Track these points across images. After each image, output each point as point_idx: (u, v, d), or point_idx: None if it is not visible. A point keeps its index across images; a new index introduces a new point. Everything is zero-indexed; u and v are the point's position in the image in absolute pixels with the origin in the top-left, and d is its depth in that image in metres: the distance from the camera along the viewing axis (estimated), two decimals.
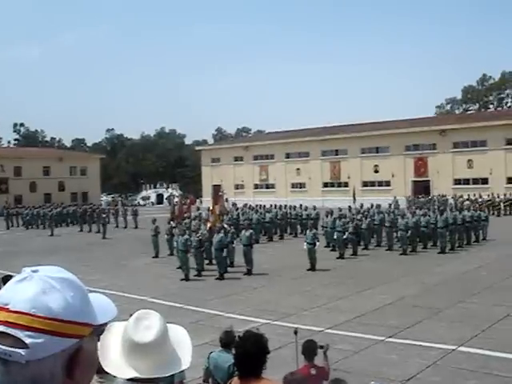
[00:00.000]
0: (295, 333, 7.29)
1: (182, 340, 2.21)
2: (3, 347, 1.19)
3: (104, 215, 39.55)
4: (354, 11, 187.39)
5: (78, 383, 1.31)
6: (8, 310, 1.22)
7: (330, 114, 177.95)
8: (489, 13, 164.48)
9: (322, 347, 7.06)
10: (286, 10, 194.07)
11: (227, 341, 6.65)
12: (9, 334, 1.20)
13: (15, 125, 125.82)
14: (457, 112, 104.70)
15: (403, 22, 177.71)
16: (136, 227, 42.22)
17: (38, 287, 1.25)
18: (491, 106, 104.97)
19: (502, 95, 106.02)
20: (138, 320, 2.19)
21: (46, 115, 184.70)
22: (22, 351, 1.19)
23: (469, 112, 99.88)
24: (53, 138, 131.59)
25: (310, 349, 6.87)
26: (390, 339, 12.12)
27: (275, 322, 13.64)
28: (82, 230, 42.87)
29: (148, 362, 2.09)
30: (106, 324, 1.41)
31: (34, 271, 1.29)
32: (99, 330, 1.38)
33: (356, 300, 16.09)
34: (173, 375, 2.26)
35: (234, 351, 5.21)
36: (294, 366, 7.04)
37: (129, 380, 2.10)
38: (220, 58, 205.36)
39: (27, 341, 1.20)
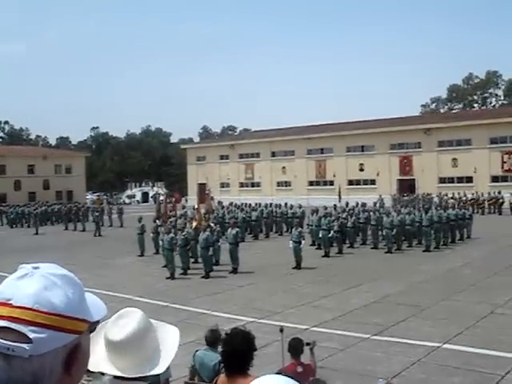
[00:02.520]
0: (281, 331, 7.30)
1: (167, 341, 2.20)
2: (6, 342, 1.20)
3: (97, 213, 39.49)
4: (339, 11, 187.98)
5: (74, 379, 1.33)
6: (11, 306, 1.23)
7: (316, 112, 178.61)
8: (475, 13, 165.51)
9: (308, 344, 7.08)
10: (271, 8, 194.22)
11: (213, 339, 6.66)
12: (11, 329, 1.21)
13: None
14: (442, 111, 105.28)
15: (389, 22, 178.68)
16: (121, 226, 42.10)
17: (40, 283, 1.27)
18: (476, 105, 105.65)
19: (486, 94, 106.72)
20: (117, 318, 2.20)
21: (31, 113, 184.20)
22: (25, 346, 1.20)
23: (453, 111, 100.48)
24: (38, 136, 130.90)
25: (296, 346, 6.89)
26: (376, 337, 12.17)
27: (261, 320, 13.65)
28: (67, 229, 42.72)
29: (125, 361, 2.09)
30: (98, 322, 1.42)
31: (34, 268, 1.31)
32: (92, 327, 1.40)
33: (341, 298, 16.14)
34: (157, 374, 2.25)
35: (220, 348, 5.22)
36: (280, 363, 7.05)
37: (115, 378, 2.11)
38: (206, 57, 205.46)
39: (31, 335, 1.21)
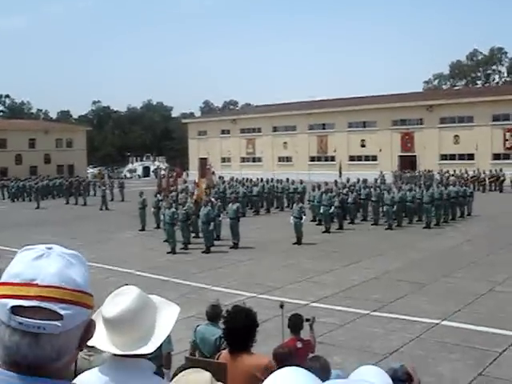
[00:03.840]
0: (281, 306, 7.35)
1: (164, 320, 2.21)
2: (37, 321, 1.24)
3: (104, 187, 39.71)
4: None
5: (78, 353, 1.40)
6: (38, 285, 1.27)
7: (318, 87, 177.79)
8: None
9: (308, 320, 7.13)
10: None
11: (213, 314, 6.70)
12: (40, 308, 1.25)
13: (0, 96, 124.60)
14: (444, 87, 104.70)
15: None
16: (122, 200, 42.09)
17: (60, 263, 1.32)
18: (479, 82, 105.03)
19: (489, 71, 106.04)
20: (114, 296, 2.21)
21: (32, 87, 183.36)
22: (57, 323, 1.25)
23: (456, 88, 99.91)
24: (39, 110, 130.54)
25: (296, 322, 6.94)
26: (375, 313, 12.25)
27: (261, 296, 13.73)
28: (68, 203, 42.74)
29: (122, 339, 2.11)
30: None
31: (48, 248, 1.35)
32: None
33: (341, 274, 16.21)
34: (160, 347, 2.26)
35: (223, 326, 5.26)
36: (280, 339, 7.11)
37: (114, 355, 2.13)
38: (208, 31, 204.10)
39: (62, 312, 1.27)
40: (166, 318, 2.21)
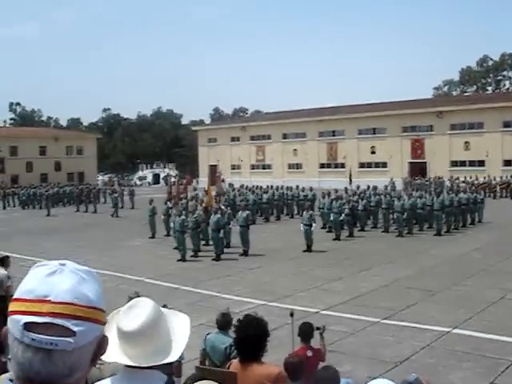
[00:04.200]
0: (291, 315, 7.35)
1: (178, 330, 2.23)
2: (50, 338, 1.25)
3: (116, 195, 40.18)
4: None
5: (90, 369, 1.40)
6: (51, 302, 1.28)
7: (328, 94, 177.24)
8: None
9: (318, 328, 7.12)
10: None
11: (224, 323, 6.69)
12: (53, 325, 1.26)
13: (11, 104, 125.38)
14: (454, 94, 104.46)
15: (401, 4, 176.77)
16: (132, 207, 42.19)
17: (73, 279, 1.33)
18: (489, 88, 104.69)
19: (500, 77, 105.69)
20: (129, 308, 2.23)
21: (43, 94, 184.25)
22: (70, 339, 1.26)
23: (466, 94, 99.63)
24: (49, 118, 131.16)
25: (306, 331, 6.93)
26: (385, 321, 12.22)
27: (271, 304, 13.72)
28: (78, 210, 42.87)
29: (137, 351, 2.13)
30: None
31: (61, 264, 1.36)
32: None
33: (351, 281, 16.17)
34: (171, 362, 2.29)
35: (234, 335, 5.26)
36: (290, 347, 7.10)
37: (126, 366, 2.15)
38: (218, 38, 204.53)
39: (75, 329, 1.27)
40: (180, 328, 2.24)
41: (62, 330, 1.26)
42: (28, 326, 1.25)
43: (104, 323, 1.39)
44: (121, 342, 2.16)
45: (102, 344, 1.39)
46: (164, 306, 2.44)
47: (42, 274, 1.33)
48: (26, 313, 1.27)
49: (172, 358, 2.15)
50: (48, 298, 1.28)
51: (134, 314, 2.19)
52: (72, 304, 1.29)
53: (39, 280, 1.32)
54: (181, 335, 2.22)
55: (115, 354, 2.14)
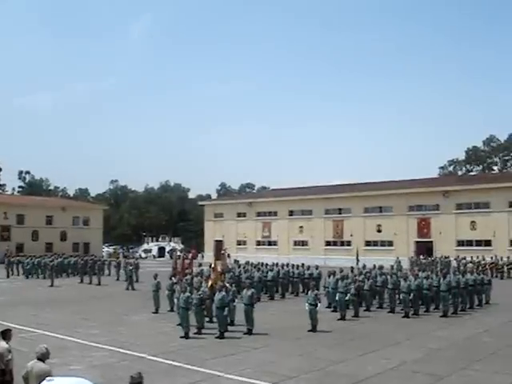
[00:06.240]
0: None
1: None
2: None
3: (131, 267, 40.27)
4: (355, 69, 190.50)
5: None
6: None
7: (334, 172, 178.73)
8: (498, 73, 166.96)
9: None
10: (287, 67, 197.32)
11: None
12: None
13: (20, 172, 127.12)
14: (459, 173, 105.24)
15: (406, 80, 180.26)
16: (137, 281, 41.87)
17: None
18: (495, 168, 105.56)
19: (507, 157, 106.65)
20: None
21: (51, 164, 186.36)
22: None
23: (471, 173, 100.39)
24: (56, 187, 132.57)
25: None
26: None
27: None
28: (82, 282, 42.71)
29: None
30: None
31: (49, 381, 1.34)
32: None
33: (357, 364, 15.85)
34: None
35: None
36: None
37: None
38: (225, 114, 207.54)
39: None
40: None
41: None
42: None
43: None
44: None
45: None
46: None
47: None
48: None
49: None
50: None
51: None
52: None
53: None
54: None
55: None
